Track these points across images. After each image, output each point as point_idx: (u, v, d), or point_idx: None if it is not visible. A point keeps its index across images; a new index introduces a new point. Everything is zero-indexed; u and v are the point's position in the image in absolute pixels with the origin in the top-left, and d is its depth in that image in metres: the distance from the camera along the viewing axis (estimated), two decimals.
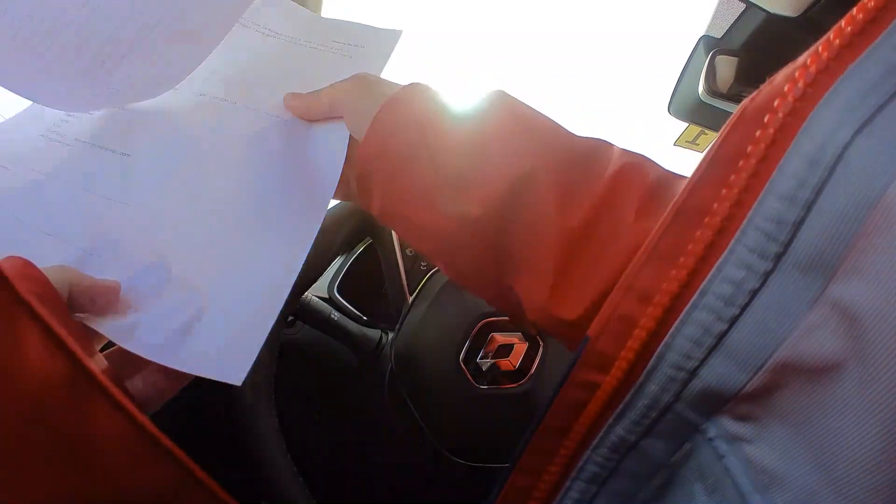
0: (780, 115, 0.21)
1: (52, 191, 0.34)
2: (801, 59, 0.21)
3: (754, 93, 0.23)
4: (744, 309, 0.21)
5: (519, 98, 0.36)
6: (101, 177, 0.34)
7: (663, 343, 0.23)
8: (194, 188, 0.34)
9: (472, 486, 0.55)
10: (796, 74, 0.21)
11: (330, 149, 0.36)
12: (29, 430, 0.17)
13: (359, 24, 0.44)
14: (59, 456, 0.18)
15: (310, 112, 0.38)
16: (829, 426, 0.18)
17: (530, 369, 0.53)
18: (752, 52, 0.78)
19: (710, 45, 0.81)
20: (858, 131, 0.19)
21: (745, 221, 0.21)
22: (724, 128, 0.23)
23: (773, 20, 0.68)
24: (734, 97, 0.78)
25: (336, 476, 0.67)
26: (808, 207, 0.20)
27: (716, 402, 0.23)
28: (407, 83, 0.36)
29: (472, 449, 0.52)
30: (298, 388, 0.70)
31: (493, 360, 0.52)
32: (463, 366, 0.52)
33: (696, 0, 0.85)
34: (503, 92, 0.36)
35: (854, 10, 0.20)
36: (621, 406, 0.25)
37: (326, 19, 0.44)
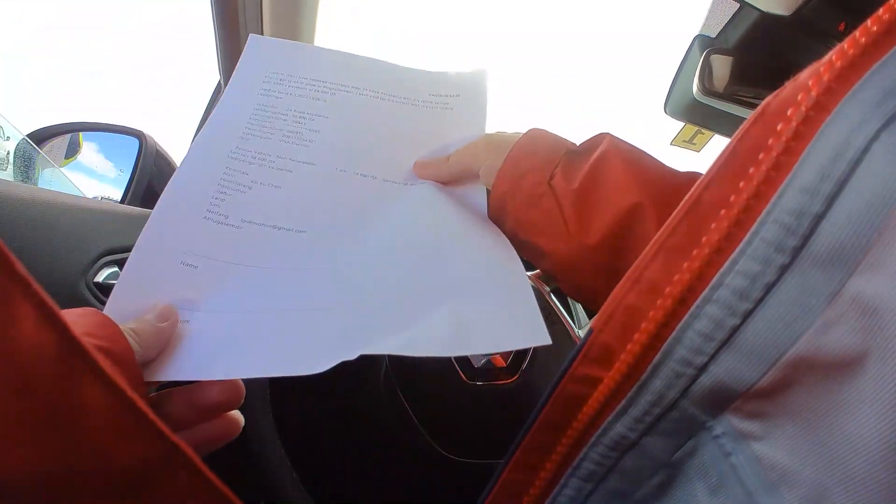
0: (804, 108, 0.21)
1: (245, 276, 0.35)
2: (826, 57, 0.21)
3: (778, 90, 0.23)
4: (759, 303, 0.21)
5: (620, 137, 0.40)
6: (283, 253, 0.36)
7: (672, 337, 0.23)
8: (374, 256, 0.36)
9: (467, 482, 0.55)
10: (821, 69, 0.21)
11: (474, 203, 0.42)
12: (18, 401, 0.18)
13: (449, 73, 0.48)
14: (46, 427, 0.19)
15: (442, 176, 0.43)
16: (843, 423, 0.18)
17: (521, 365, 0.53)
18: (747, 50, 0.78)
19: (705, 44, 0.81)
20: (884, 126, 0.19)
21: (763, 213, 0.21)
22: (745, 123, 0.23)
23: (766, 19, 0.68)
24: (730, 96, 0.78)
25: (332, 473, 0.67)
26: (831, 201, 0.19)
27: (724, 400, 0.22)
28: (526, 132, 0.42)
29: (465, 445, 0.52)
30: (294, 388, 0.70)
31: (484, 356, 0.52)
32: (454, 362, 0.52)
33: (691, 0, 0.85)
34: (610, 134, 0.41)
35: (881, 10, 0.20)
36: (623, 403, 0.24)
37: (421, 73, 0.47)
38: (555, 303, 0.60)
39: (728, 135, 0.93)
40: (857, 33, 0.20)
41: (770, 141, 0.21)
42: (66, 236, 0.66)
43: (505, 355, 0.52)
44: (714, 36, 0.81)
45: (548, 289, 0.62)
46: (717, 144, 1.01)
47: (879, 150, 0.19)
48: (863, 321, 0.18)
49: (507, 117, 0.40)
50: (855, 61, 0.20)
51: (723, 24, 0.78)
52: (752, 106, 0.78)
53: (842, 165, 0.19)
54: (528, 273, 0.61)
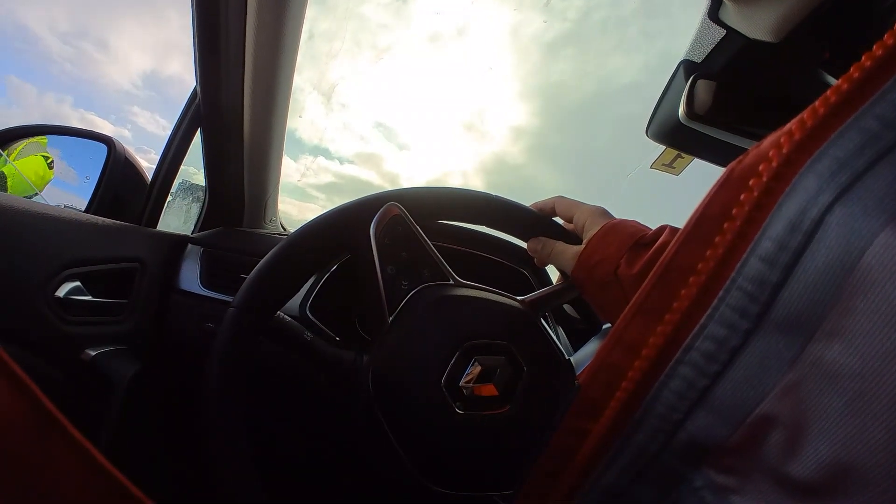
0: (765, 179, 0.22)
1: None
2: (786, 126, 0.23)
3: (741, 155, 0.25)
4: (726, 366, 0.22)
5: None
6: None
7: (650, 395, 0.25)
8: None
9: None
10: (781, 140, 0.22)
11: None
12: None
13: None
14: (19, 492, 0.19)
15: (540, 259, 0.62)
16: None
17: (514, 394, 0.51)
18: (732, 76, 0.78)
19: (690, 69, 0.82)
20: (838, 198, 0.20)
21: (728, 281, 0.22)
22: (712, 188, 0.25)
23: (752, 45, 0.69)
24: (713, 121, 0.79)
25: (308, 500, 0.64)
26: (789, 270, 0.21)
27: (700, 454, 0.24)
28: (603, 225, 0.55)
29: (453, 476, 0.50)
30: (266, 410, 0.67)
31: (475, 385, 0.49)
32: (445, 390, 0.50)
33: (676, 24, 0.86)
34: (669, 226, 0.49)
35: (840, 80, 0.21)
36: (612, 452, 0.26)
37: None
38: (544, 326, 0.58)
39: (708, 159, 0.94)
40: (816, 104, 0.21)
41: (734, 211, 0.23)
42: (24, 245, 0.61)
43: (497, 384, 0.50)
44: (699, 61, 0.81)
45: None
46: (695, 168, 1.02)
47: (833, 222, 0.20)
48: (821, 384, 0.19)
49: None
50: (813, 133, 0.21)
51: (708, 50, 0.79)
52: (736, 130, 0.79)
53: (798, 237, 0.20)
54: (513, 296, 0.59)
